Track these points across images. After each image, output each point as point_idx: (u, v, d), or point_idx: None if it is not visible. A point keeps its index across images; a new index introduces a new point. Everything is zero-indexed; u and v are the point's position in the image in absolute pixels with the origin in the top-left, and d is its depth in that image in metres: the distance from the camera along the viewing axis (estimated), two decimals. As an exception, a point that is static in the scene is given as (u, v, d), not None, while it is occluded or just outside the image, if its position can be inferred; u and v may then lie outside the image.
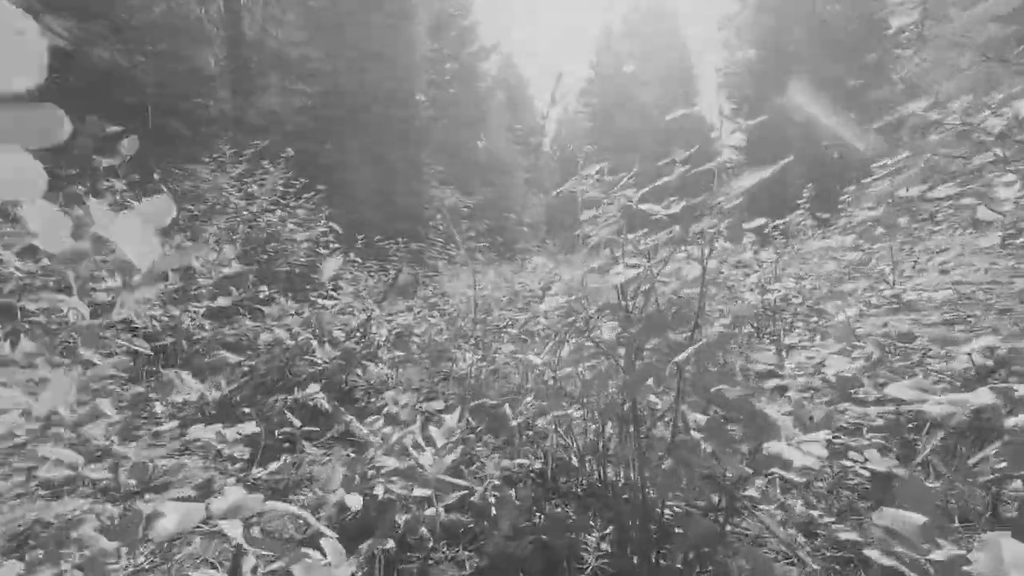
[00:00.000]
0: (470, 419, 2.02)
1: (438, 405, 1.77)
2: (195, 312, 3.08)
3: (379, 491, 1.42)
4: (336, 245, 5.34)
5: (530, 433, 1.78)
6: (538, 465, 1.79)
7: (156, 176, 4.61)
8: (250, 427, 1.54)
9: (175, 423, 2.14)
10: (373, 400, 2.78)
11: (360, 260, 5.49)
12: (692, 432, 0.92)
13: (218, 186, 5.70)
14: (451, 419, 1.53)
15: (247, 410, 2.33)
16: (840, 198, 4.25)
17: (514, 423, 1.72)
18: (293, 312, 3.41)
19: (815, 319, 2.89)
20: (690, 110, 1.79)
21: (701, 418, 0.95)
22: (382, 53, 14.43)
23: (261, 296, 3.16)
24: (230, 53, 14.30)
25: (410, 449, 1.40)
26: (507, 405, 2.42)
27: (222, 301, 2.60)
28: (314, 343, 2.49)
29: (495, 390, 2.92)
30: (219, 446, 1.45)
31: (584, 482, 1.70)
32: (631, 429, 1.20)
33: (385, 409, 1.77)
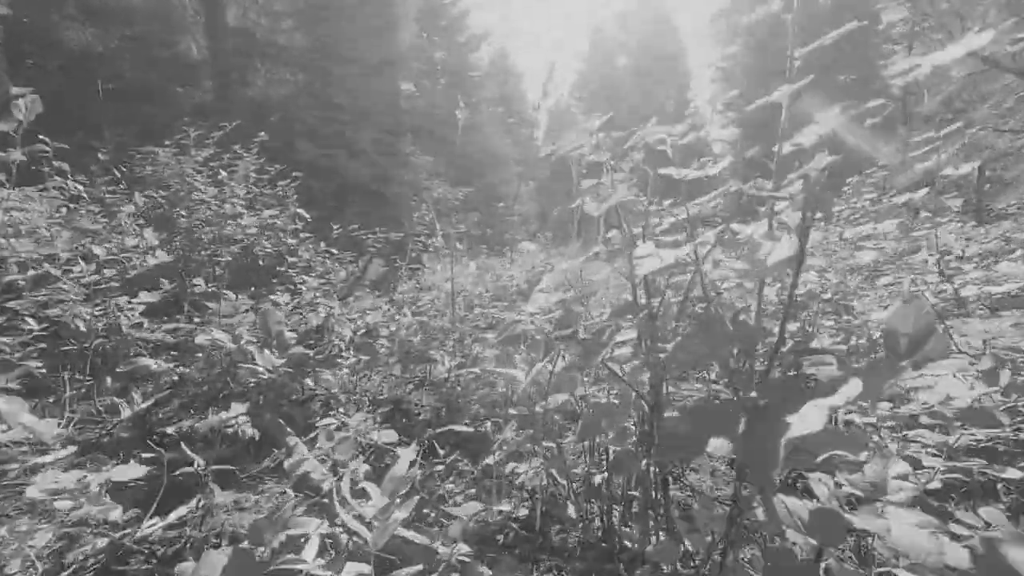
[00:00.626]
0: (438, 446, 1.61)
1: (390, 436, 1.36)
2: (130, 311, 2.63)
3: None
4: (307, 235, 4.87)
5: (512, 472, 1.38)
6: (523, 512, 1.38)
7: (102, 156, 4.12)
8: (134, 470, 1.11)
9: (68, 451, 1.71)
10: (334, 413, 2.35)
11: (335, 251, 5.04)
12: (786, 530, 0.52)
13: (182, 172, 5.21)
14: (405, 457, 1.12)
15: (170, 431, 1.90)
16: (842, 188, 3.96)
17: (492, 459, 1.31)
18: (247, 309, 2.97)
19: (847, 318, 2.51)
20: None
21: (796, 505, 0.56)
22: (365, 42, 13.89)
23: (198, 290, 2.71)
24: (212, 40, 13.73)
25: (337, 506, 0.99)
26: (488, 423, 2.01)
27: (145, 296, 2.16)
28: (252, 348, 2.05)
29: (477, 399, 2.51)
30: (67, 505, 1.02)
31: (582, 536, 1.29)
32: (659, 504, 0.80)
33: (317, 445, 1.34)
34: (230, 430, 1.49)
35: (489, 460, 1.31)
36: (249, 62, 14.49)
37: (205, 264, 3.58)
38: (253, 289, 4.17)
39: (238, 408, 1.51)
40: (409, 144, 14.81)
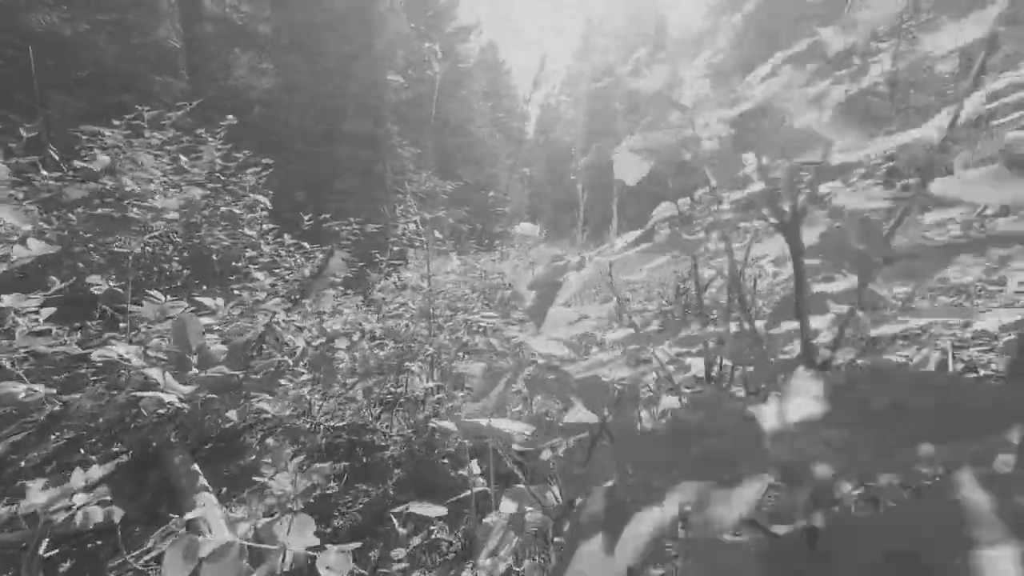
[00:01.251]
0: (408, 497, 1.12)
1: (307, 539, 0.84)
2: (32, 315, 2.09)
3: None
4: (273, 226, 4.33)
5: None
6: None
7: (24, 132, 3.53)
8: None
9: None
10: (273, 455, 1.84)
11: (305, 245, 4.50)
12: None
13: (134, 155, 4.63)
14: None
15: (31, 487, 1.38)
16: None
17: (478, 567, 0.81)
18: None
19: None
20: None
21: None
22: (349, 31, 13.27)
23: (96, 290, 2.18)
24: (188, 27, 13.03)
25: None
26: (476, 464, 1.52)
27: (7, 300, 1.62)
28: (152, 371, 1.54)
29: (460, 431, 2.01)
30: None
31: None
32: None
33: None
34: (62, 516, 0.98)
35: (467, 574, 0.81)
36: (229, 51, 13.83)
37: (118, 258, 3.02)
38: (205, 288, 3.63)
39: (80, 477, 1.00)
40: (395, 135, 14.22)
